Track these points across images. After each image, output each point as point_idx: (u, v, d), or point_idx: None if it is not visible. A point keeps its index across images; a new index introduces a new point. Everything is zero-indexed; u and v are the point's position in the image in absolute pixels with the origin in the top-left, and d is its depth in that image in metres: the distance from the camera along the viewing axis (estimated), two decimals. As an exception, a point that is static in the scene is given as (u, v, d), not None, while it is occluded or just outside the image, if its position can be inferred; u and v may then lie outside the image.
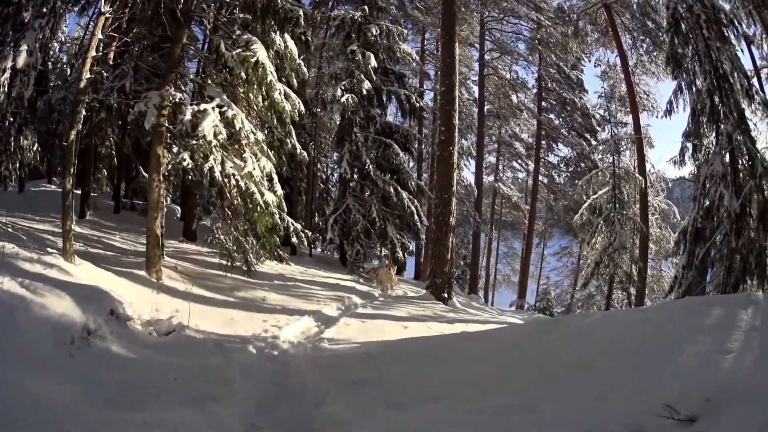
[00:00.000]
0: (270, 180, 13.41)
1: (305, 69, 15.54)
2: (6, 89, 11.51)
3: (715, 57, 14.19)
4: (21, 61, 11.36)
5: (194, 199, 19.58)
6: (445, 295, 17.78)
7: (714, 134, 14.58)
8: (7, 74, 11.37)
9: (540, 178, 35.69)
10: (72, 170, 10.74)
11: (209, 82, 13.46)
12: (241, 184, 11.95)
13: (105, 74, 15.91)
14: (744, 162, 13.97)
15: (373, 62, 21.93)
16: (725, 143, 13.94)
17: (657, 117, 28.61)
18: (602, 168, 25.99)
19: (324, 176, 32.07)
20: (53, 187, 25.91)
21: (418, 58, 30.08)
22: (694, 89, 15.17)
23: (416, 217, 22.48)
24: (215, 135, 11.31)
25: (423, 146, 31.50)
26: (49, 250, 10.56)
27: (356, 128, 22.45)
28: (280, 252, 15.97)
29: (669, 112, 16.50)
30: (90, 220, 19.10)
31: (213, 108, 11.74)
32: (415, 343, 9.18)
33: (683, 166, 16.12)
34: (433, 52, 35.09)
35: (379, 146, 23.02)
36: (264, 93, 13.13)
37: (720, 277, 13.70)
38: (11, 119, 15.98)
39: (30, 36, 11.57)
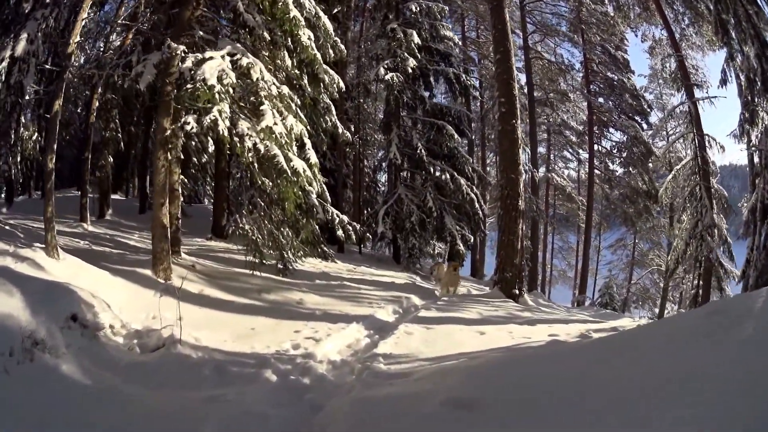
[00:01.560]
0: (301, 146, 10.33)
1: (342, 46, 13.20)
2: (4, 77, 10.12)
3: (755, 21, 13.48)
4: (20, 49, 9.93)
5: (224, 191, 16.51)
6: (516, 292, 14.66)
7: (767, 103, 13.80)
8: (5, 63, 9.99)
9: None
10: (54, 146, 9.42)
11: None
12: (260, 146, 8.74)
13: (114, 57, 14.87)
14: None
15: (416, 39, 19.23)
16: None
17: (707, 91, 25.37)
18: (683, 133, 22.10)
19: (371, 173, 28.83)
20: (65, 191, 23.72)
21: (460, 43, 27.22)
22: (740, 58, 14.43)
23: (477, 204, 19.30)
24: (220, 79, 8.28)
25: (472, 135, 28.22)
26: (37, 245, 8.86)
27: (404, 111, 20.04)
28: (324, 248, 13.29)
29: (724, 82, 15.59)
30: (109, 220, 17.22)
31: (223, 56, 8.87)
32: (528, 367, 5.06)
33: (742, 139, 15.09)
34: (474, 40, 32.95)
35: (431, 129, 20.31)
36: (290, 44, 10.55)
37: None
38: (9, 110, 14.18)
39: (31, 25, 10.20)
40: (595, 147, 32.40)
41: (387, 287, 13.14)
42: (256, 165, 9.27)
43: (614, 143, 32.97)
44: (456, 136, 20.06)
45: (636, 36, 30.29)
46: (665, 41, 26.28)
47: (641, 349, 4.40)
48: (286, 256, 11.82)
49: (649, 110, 31.45)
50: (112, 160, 17.00)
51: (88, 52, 18.65)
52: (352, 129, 21.32)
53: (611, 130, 33.29)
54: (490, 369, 5.26)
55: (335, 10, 17.63)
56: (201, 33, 10.57)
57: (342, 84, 13.20)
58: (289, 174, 9.12)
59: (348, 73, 23.28)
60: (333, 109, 13.83)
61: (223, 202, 16.51)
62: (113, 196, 20.57)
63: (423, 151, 19.10)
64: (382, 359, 6.30)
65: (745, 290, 14.22)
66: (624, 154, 31.96)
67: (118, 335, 6.23)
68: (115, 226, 16.13)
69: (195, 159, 22.13)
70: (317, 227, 12.09)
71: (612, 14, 28.35)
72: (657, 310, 29.03)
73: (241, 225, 11.35)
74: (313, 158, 10.46)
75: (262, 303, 9.51)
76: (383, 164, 24.56)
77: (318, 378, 5.67)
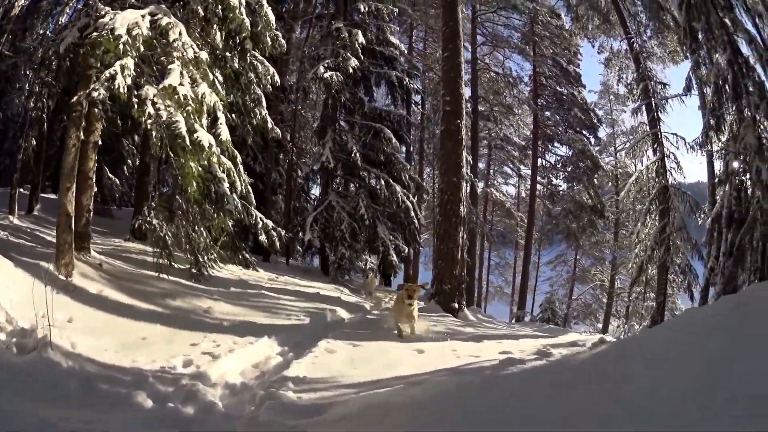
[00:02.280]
0: (214, 120, 9.24)
1: (283, 41, 13.12)
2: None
3: (729, 29, 13.15)
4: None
5: (146, 187, 15.50)
6: (456, 305, 13.76)
7: (736, 109, 13.28)
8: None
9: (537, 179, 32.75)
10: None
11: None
12: (162, 112, 7.60)
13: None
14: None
15: (361, 38, 18.37)
16: (752, 115, 12.67)
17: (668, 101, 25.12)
18: (646, 134, 21.22)
19: (304, 183, 27.48)
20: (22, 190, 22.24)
21: (406, 52, 26.52)
22: (705, 69, 14.13)
23: (413, 214, 18.69)
24: (129, 31, 7.30)
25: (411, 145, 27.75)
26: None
27: (341, 114, 19.23)
28: (246, 254, 12.28)
29: (688, 89, 15.47)
30: (36, 216, 15.78)
31: (143, 15, 7.80)
32: (496, 396, 3.73)
33: (705, 146, 14.91)
34: (421, 51, 32.51)
35: (368, 133, 19.24)
36: (219, 11, 9.74)
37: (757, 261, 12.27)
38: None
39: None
40: (539, 161, 32.27)
41: (310, 298, 12.01)
42: (154, 134, 7.98)
43: (559, 158, 33.16)
44: (394, 140, 19.25)
45: (593, 47, 30.08)
46: (623, 53, 26.56)
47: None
48: (201, 260, 10.64)
49: (598, 124, 31.66)
50: (35, 143, 15.48)
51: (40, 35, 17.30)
52: (289, 136, 20.26)
53: (556, 144, 33.37)
54: (442, 402, 3.96)
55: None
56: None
57: (277, 78, 12.68)
58: (187, 142, 7.88)
59: (290, 80, 22.48)
60: (264, 101, 12.83)
61: (144, 200, 15.15)
62: (51, 196, 19.15)
63: (358, 155, 18.13)
64: (292, 384, 5.17)
65: (705, 299, 14.30)
66: (569, 169, 32.00)
67: (2, 331, 5.68)
68: (42, 221, 14.79)
69: (129, 161, 20.74)
70: (230, 225, 10.96)
71: (568, 26, 28.23)
72: (600, 325, 28.82)
73: (148, 220, 10.00)
74: (225, 135, 9.33)
75: (163, 309, 8.42)
76: (316, 175, 23.24)
77: (205, 408, 4.46)
